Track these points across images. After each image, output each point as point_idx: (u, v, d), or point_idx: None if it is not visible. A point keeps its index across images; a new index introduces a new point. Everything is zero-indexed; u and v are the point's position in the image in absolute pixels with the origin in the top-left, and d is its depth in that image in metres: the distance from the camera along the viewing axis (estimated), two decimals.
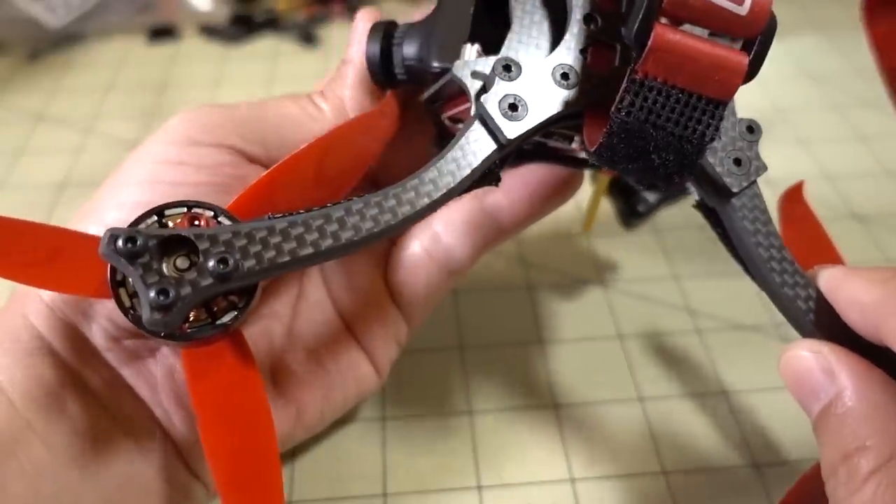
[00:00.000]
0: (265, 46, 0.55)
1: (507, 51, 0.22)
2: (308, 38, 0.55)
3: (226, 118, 0.24)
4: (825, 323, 0.21)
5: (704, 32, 0.19)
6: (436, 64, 0.23)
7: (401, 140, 0.27)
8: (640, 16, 0.18)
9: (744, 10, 0.18)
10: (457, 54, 0.23)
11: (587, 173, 0.32)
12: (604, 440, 0.29)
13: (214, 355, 0.20)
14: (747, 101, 0.49)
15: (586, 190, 0.34)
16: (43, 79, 0.52)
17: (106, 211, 0.23)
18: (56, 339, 0.22)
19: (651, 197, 0.33)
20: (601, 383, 0.31)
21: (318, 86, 0.28)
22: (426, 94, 0.24)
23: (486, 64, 0.21)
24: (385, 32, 0.25)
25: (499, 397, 0.31)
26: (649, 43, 0.18)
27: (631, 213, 0.34)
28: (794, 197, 0.28)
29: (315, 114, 0.26)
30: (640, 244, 0.38)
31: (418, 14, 0.26)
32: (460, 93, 0.23)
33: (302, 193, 0.22)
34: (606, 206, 0.35)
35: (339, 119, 0.26)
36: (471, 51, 0.23)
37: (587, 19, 0.22)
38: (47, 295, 0.22)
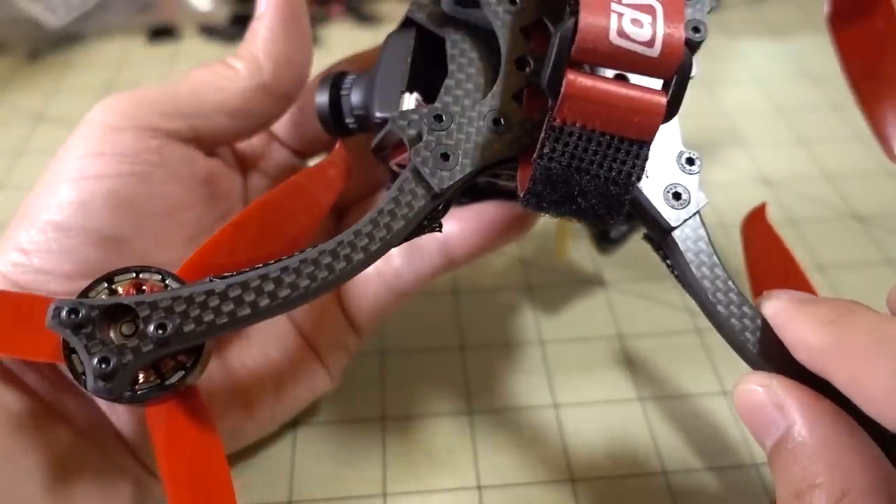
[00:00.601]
0: None
1: (442, 98, 0.22)
2: None
3: (139, 99, 0.24)
4: (772, 353, 0.20)
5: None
6: (377, 114, 0.23)
7: (364, 177, 0.28)
8: (551, 64, 0.18)
9: (655, 51, 0.18)
10: (396, 104, 0.23)
11: None
12: (604, 440, 0.29)
13: (171, 410, 0.21)
14: (748, 101, 0.49)
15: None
16: (43, 79, 0.52)
17: (36, 214, 0.23)
18: None
19: (624, 224, 0.33)
20: (601, 383, 0.31)
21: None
22: (373, 143, 0.24)
23: (421, 113, 0.21)
24: (333, 82, 0.25)
25: (499, 397, 0.31)
26: (562, 91, 0.18)
27: (603, 239, 0.34)
28: (756, 219, 0.28)
29: (228, 73, 0.25)
30: (640, 244, 0.38)
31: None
32: (402, 142, 0.23)
33: (251, 251, 0.22)
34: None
35: (253, 76, 0.25)
36: (409, 100, 0.23)
37: (520, 63, 0.22)
38: None
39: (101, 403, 0.24)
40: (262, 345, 0.27)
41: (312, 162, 0.32)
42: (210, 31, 0.56)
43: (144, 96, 0.24)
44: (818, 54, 0.53)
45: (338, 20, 0.58)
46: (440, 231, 0.22)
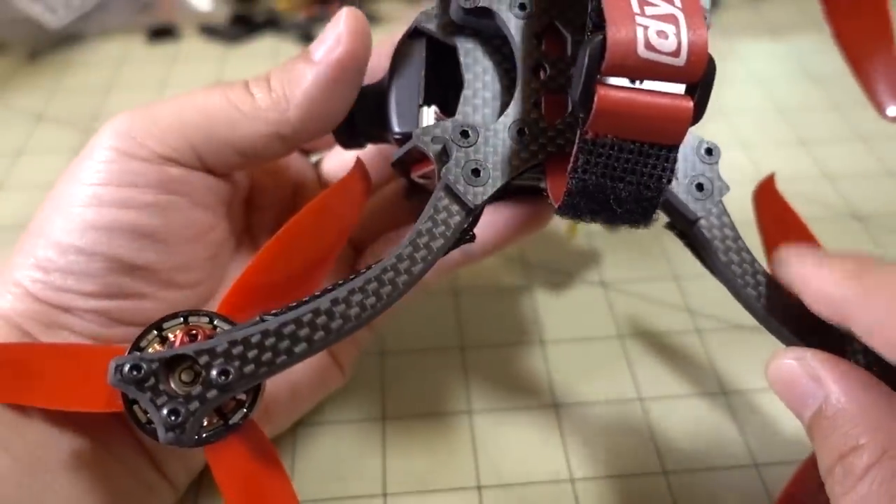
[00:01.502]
0: (265, 46, 0.55)
1: (462, 109, 0.22)
2: (308, 38, 0.55)
3: (150, 127, 0.23)
4: (804, 329, 0.21)
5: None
6: (397, 130, 0.24)
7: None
8: (581, 81, 0.18)
9: (681, 60, 0.18)
10: (415, 119, 0.23)
11: None
12: (604, 440, 0.29)
13: (233, 449, 0.21)
14: (748, 101, 0.49)
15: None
16: (43, 79, 0.52)
17: (55, 233, 0.23)
18: None
19: None
20: (601, 383, 0.31)
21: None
22: (394, 158, 0.24)
23: (445, 128, 0.22)
24: None
25: (499, 397, 0.31)
26: (594, 106, 0.18)
27: None
28: (766, 189, 0.28)
29: (245, 107, 0.24)
30: (640, 244, 0.38)
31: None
32: (425, 156, 0.23)
33: (287, 276, 0.22)
34: None
35: (273, 122, 0.24)
36: (428, 114, 0.23)
37: (536, 69, 0.22)
38: (5, 307, 0.23)
39: None
40: None
41: (315, 157, 0.32)
42: (210, 31, 0.56)
43: (155, 121, 0.24)
44: (818, 54, 0.53)
45: None
46: (473, 241, 0.22)
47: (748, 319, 0.34)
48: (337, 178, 0.29)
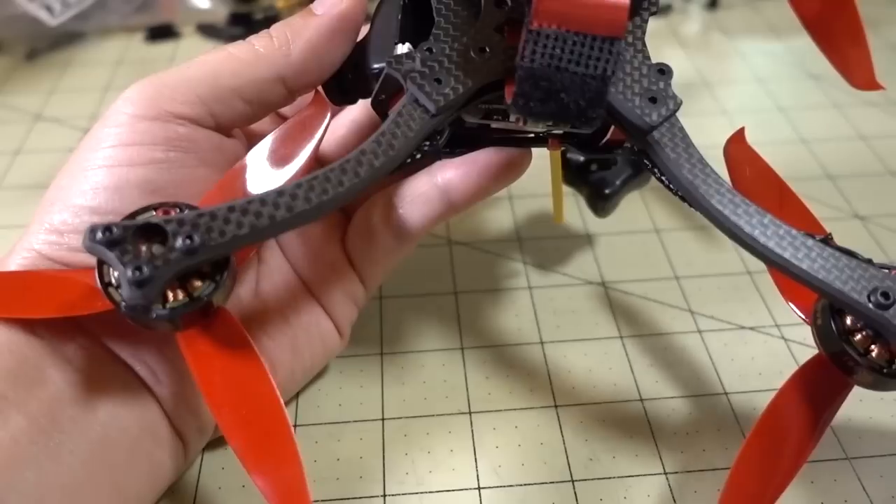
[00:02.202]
0: None
1: (431, 41, 0.24)
2: None
3: (159, 87, 0.25)
4: (775, 234, 0.22)
5: None
6: (374, 65, 0.25)
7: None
8: None
9: None
10: (390, 53, 0.25)
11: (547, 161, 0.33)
12: (604, 440, 0.29)
13: (207, 336, 0.22)
14: (748, 100, 0.49)
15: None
16: (41, 78, 0.51)
17: (69, 199, 0.24)
18: None
19: (617, 179, 0.35)
20: (601, 383, 0.31)
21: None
22: (372, 96, 0.26)
23: (414, 56, 0.23)
24: None
25: (499, 398, 0.31)
26: None
27: (599, 197, 0.35)
28: (737, 142, 0.28)
29: (247, 57, 0.25)
30: (640, 244, 0.38)
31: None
32: (399, 88, 0.24)
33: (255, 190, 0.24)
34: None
35: (274, 65, 0.25)
36: (402, 48, 0.25)
37: (499, 2, 0.24)
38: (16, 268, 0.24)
39: (143, 372, 0.25)
40: (270, 302, 0.28)
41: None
42: (209, 30, 0.56)
43: (164, 83, 0.25)
44: (818, 54, 0.53)
45: None
46: (441, 156, 0.24)
47: (748, 319, 0.34)
48: (332, 150, 0.31)
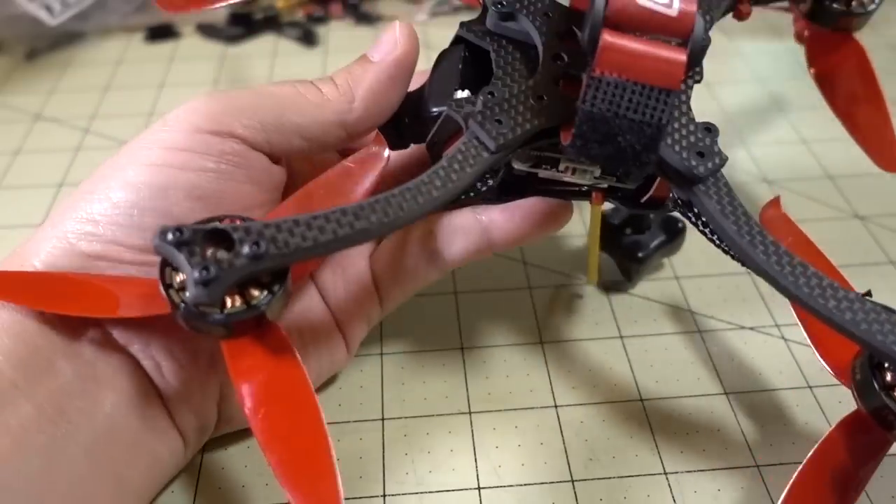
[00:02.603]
0: (264, 45, 0.55)
1: (491, 87, 0.25)
2: (307, 37, 0.55)
3: (227, 106, 0.26)
4: (814, 286, 0.22)
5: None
6: (434, 108, 0.27)
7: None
8: (589, 26, 0.21)
9: (673, 11, 0.21)
10: (451, 98, 0.26)
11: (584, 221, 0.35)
12: (605, 440, 0.29)
13: (254, 347, 0.22)
14: (748, 100, 0.49)
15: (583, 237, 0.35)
16: (41, 78, 0.51)
17: (111, 190, 0.24)
18: None
19: (651, 242, 0.35)
20: (601, 383, 0.31)
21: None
22: (428, 138, 0.27)
23: (474, 100, 0.25)
24: None
25: (498, 398, 0.31)
26: (599, 46, 0.21)
27: (632, 260, 0.35)
28: (772, 208, 0.29)
29: (315, 100, 0.27)
30: None
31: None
32: (456, 131, 0.26)
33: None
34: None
35: (339, 112, 0.27)
36: (461, 94, 0.26)
37: (555, 58, 0.26)
38: (38, 261, 0.24)
39: (150, 366, 0.25)
40: (289, 320, 0.28)
41: None
42: (209, 30, 0.56)
43: (233, 103, 0.26)
44: None
45: (338, 20, 0.58)
46: (493, 199, 0.25)
47: (748, 319, 0.34)
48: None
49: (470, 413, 0.30)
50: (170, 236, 0.21)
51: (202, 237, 0.21)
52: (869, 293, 0.24)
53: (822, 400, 0.31)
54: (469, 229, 0.29)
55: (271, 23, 0.57)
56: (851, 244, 0.38)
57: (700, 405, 0.30)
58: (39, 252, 0.24)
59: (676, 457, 0.28)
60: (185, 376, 0.25)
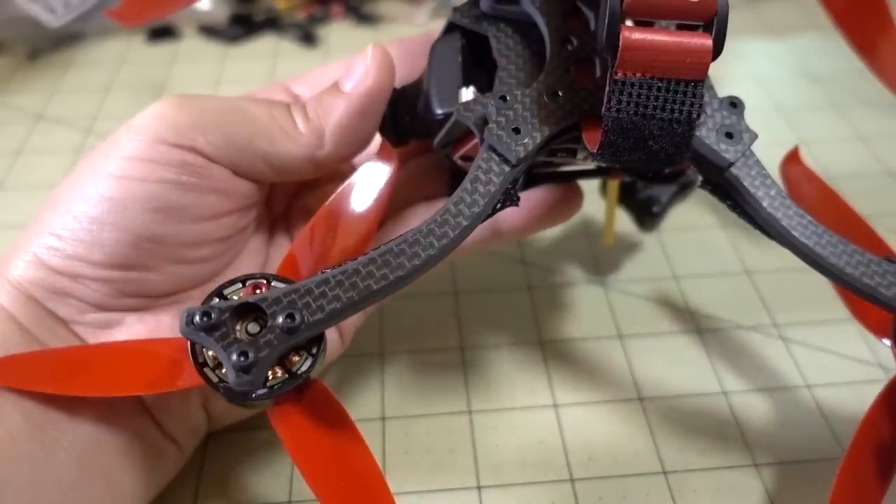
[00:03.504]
0: (265, 46, 0.55)
1: (499, 86, 0.24)
2: (308, 37, 0.55)
3: (193, 119, 0.25)
4: (856, 263, 0.22)
5: (670, 25, 0.20)
6: (439, 111, 0.25)
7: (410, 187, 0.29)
8: (606, 24, 0.20)
9: None
10: (455, 99, 0.25)
11: (597, 189, 0.34)
12: (604, 440, 0.29)
13: (300, 409, 0.22)
14: (748, 101, 0.49)
15: (599, 203, 0.35)
16: (42, 78, 0.52)
17: (73, 202, 0.24)
18: (23, 316, 0.23)
19: (663, 196, 0.35)
20: (601, 383, 0.31)
21: (295, 81, 0.28)
22: (436, 141, 0.26)
23: (484, 102, 0.23)
24: (390, 100, 0.27)
25: (499, 397, 0.31)
26: (619, 45, 0.20)
27: (647, 215, 0.35)
28: (792, 160, 0.29)
29: (287, 129, 0.26)
30: (640, 244, 0.38)
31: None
32: (466, 133, 0.25)
33: (331, 249, 0.24)
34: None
35: (309, 147, 0.26)
36: (467, 93, 0.25)
37: (564, 42, 0.24)
38: (14, 275, 0.24)
39: None
40: None
41: None
42: (210, 30, 0.56)
43: (198, 116, 0.25)
44: (818, 54, 0.53)
45: (338, 20, 0.58)
46: (517, 205, 0.24)
47: (748, 319, 0.34)
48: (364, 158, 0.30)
49: (470, 413, 0.30)
50: (197, 320, 0.20)
51: (231, 316, 0.20)
52: None
53: (821, 400, 0.31)
54: None
55: (272, 23, 0.57)
56: None
57: (699, 405, 0.31)
58: (11, 267, 0.24)
59: (676, 456, 0.29)
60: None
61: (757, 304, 0.35)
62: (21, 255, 0.24)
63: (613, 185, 0.32)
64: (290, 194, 0.31)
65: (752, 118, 0.50)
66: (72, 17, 0.51)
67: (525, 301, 0.35)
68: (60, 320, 0.24)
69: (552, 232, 0.39)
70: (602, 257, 0.37)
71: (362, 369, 0.32)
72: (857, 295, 0.23)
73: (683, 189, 0.35)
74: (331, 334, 0.29)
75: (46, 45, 0.54)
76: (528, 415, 0.30)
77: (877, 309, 0.23)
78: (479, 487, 0.28)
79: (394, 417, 0.30)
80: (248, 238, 0.28)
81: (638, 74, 0.20)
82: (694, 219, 0.40)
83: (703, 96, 0.20)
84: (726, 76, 0.51)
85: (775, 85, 0.51)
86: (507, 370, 0.32)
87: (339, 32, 0.56)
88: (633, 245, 0.38)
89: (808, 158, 0.45)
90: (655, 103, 0.20)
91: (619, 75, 0.20)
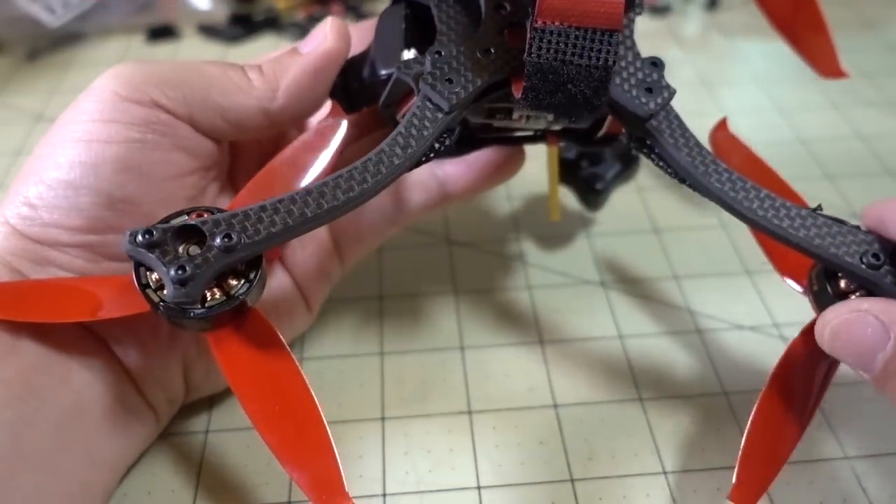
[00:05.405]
0: (264, 46, 0.55)
1: (437, 46, 0.25)
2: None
3: (150, 75, 0.25)
4: (775, 210, 0.24)
5: None
6: (382, 71, 0.27)
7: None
8: None
9: None
10: (398, 60, 0.26)
11: (544, 171, 0.35)
12: (604, 440, 0.29)
13: (238, 335, 0.23)
14: (748, 101, 0.49)
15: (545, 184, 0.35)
16: (42, 78, 0.52)
17: (45, 171, 0.25)
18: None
19: (607, 173, 0.36)
20: (601, 383, 0.31)
21: (254, 61, 0.29)
22: (381, 100, 0.27)
23: (422, 60, 0.25)
24: (341, 70, 0.28)
25: (498, 397, 0.31)
26: None
27: (590, 192, 0.36)
28: (720, 130, 0.30)
29: (240, 83, 0.27)
30: (640, 244, 0.38)
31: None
32: (407, 93, 0.26)
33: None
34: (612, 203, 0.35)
35: (262, 99, 0.26)
36: (408, 55, 0.26)
37: (498, 7, 0.26)
38: None
39: (115, 345, 0.26)
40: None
41: None
42: (209, 30, 0.56)
43: (155, 73, 0.26)
44: None
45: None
46: (450, 154, 0.26)
47: (748, 319, 0.34)
48: None
49: (470, 413, 0.30)
50: (140, 238, 0.21)
51: (172, 235, 0.21)
52: (819, 207, 0.25)
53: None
54: (426, 184, 0.30)
55: (272, 23, 0.57)
56: None
57: (700, 405, 0.31)
58: None
59: (676, 456, 0.29)
60: (147, 352, 0.26)
61: (756, 304, 0.35)
62: None
63: (553, 156, 0.33)
64: (253, 171, 0.31)
65: (752, 118, 0.51)
66: (71, 17, 0.51)
67: (525, 301, 0.35)
68: None
69: (552, 232, 0.39)
70: (602, 257, 0.37)
71: (362, 369, 0.32)
72: (772, 237, 0.24)
73: (627, 168, 0.37)
74: (299, 306, 0.30)
75: (46, 45, 0.54)
76: (528, 414, 0.30)
77: (795, 257, 0.24)
78: (478, 488, 0.28)
79: (394, 417, 0.30)
80: (217, 198, 0.29)
81: (556, 23, 0.22)
82: (694, 219, 0.40)
83: (618, 45, 0.22)
84: (726, 76, 0.51)
85: (775, 85, 0.51)
86: (507, 370, 0.32)
87: None
88: (633, 245, 0.38)
89: (807, 157, 0.45)
90: (573, 49, 0.22)
91: (539, 24, 0.22)
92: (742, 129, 0.46)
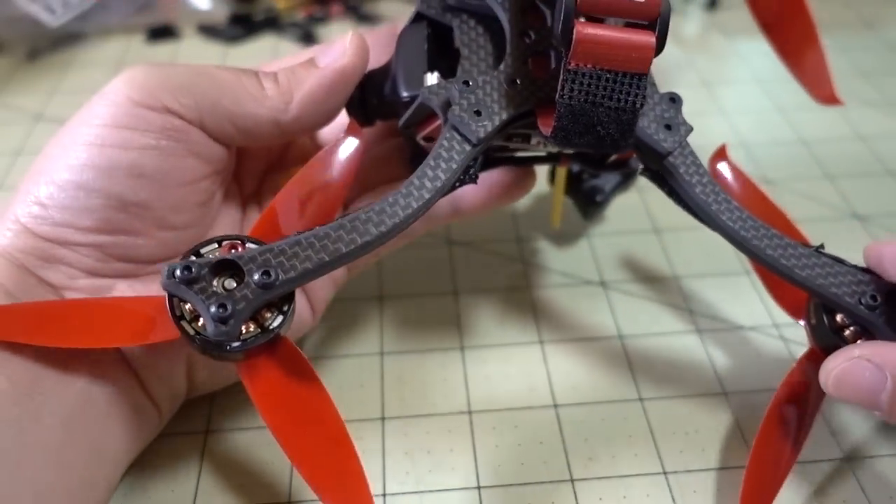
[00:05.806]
0: (264, 46, 0.55)
1: (462, 73, 0.26)
2: (307, 37, 0.55)
3: (163, 81, 0.26)
4: (782, 248, 0.25)
5: (619, 22, 0.23)
6: (405, 94, 0.27)
7: (376, 162, 0.31)
8: (561, 19, 0.22)
9: None
10: (421, 83, 0.27)
11: (546, 175, 0.37)
12: (604, 441, 0.29)
13: (269, 365, 0.23)
14: (748, 101, 0.49)
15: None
16: (42, 78, 0.51)
17: (56, 171, 0.25)
18: (13, 285, 0.24)
19: (606, 186, 0.37)
20: (601, 383, 0.31)
21: (270, 66, 0.29)
22: (401, 121, 0.27)
23: (448, 86, 0.25)
24: (359, 83, 0.28)
25: (499, 397, 0.31)
26: (573, 39, 0.22)
27: (591, 204, 0.37)
28: (719, 158, 0.31)
29: (254, 92, 0.27)
30: (640, 244, 0.38)
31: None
32: (429, 115, 0.26)
33: (299, 217, 0.25)
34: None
35: (275, 110, 0.27)
36: (432, 78, 0.27)
37: (522, 35, 0.26)
38: (0, 244, 0.24)
39: None
40: None
41: None
42: (209, 30, 0.56)
43: (169, 78, 0.26)
44: None
45: (337, 20, 0.58)
46: (476, 182, 0.26)
47: (748, 319, 0.34)
48: (330, 139, 0.31)
49: (470, 413, 0.30)
50: (178, 274, 0.21)
51: (210, 271, 0.21)
52: (822, 246, 0.26)
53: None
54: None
55: (272, 23, 0.57)
56: (850, 244, 0.38)
57: (700, 405, 0.31)
58: None
59: (676, 456, 0.29)
60: (152, 349, 0.26)
61: (756, 304, 0.35)
62: (7, 225, 0.25)
63: (562, 171, 0.34)
64: (259, 174, 0.32)
65: (752, 118, 0.51)
66: (71, 17, 0.51)
67: (525, 301, 0.35)
68: (52, 287, 0.25)
69: (552, 232, 0.39)
70: (602, 257, 0.37)
71: (362, 369, 0.32)
72: (776, 274, 0.25)
73: (626, 180, 0.37)
74: (303, 309, 0.30)
75: (46, 45, 0.54)
76: (527, 414, 0.30)
77: (793, 290, 0.26)
78: (478, 487, 0.28)
79: (394, 417, 0.30)
80: (221, 206, 0.29)
81: (589, 66, 0.22)
82: (694, 219, 0.40)
83: (646, 88, 0.23)
84: (727, 76, 0.51)
85: (775, 85, 0.51)
86: (507, 370, 0.32)
87: (338, 32, 0.56)
88: (633, 245, 0.38)
89: (808, 157, 0.45)
90: (604, 92, 0.22)
91: (572, 66, 0.22)
92: (742, 129, 0.47)
